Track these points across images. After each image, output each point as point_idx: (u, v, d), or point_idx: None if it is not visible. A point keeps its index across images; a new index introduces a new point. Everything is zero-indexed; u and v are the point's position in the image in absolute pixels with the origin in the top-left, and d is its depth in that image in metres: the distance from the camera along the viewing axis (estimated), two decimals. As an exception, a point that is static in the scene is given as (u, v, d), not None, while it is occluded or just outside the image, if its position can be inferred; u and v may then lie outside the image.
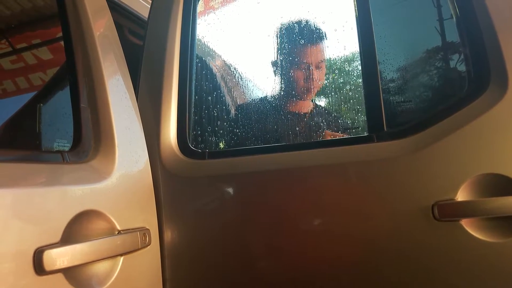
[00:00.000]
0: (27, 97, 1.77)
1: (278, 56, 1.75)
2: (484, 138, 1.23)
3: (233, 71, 1.85)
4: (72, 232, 1.08)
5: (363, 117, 1.51)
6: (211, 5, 1.81)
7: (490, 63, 1.28)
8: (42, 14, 1.87)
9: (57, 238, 1.03)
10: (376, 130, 1.37)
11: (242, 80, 1.83)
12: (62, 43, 1.45)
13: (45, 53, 1.83)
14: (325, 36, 1.69)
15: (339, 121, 1.60)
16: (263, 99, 1.76)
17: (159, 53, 1.57)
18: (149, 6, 1.67)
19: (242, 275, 1.40)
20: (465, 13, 1.36)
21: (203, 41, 1.76)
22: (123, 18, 2.23)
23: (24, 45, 1.86)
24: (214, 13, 1.76)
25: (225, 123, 1.62)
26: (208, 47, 1.82)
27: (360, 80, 1.50)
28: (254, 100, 1.76)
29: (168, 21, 1.59)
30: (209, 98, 1.66)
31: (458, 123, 1.26)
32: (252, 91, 1.81)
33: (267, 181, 1.42)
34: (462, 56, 1.41)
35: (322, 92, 1.73)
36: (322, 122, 1.60)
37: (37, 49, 1.83)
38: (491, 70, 1.27)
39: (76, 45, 1.40)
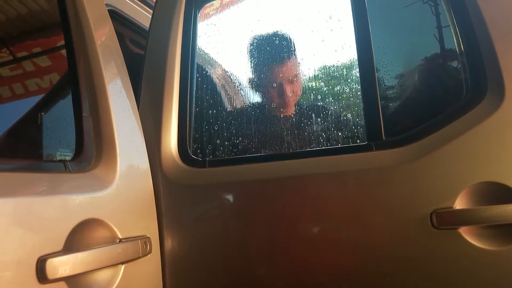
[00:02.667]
0: (28, 105, 1.78)
1: (279, 65, 1.76)
2: (482, 147, 1.24)
3: (234, 79, 1.86)
4: (74, 241, 1.08)
5: (361, 126, 1.52)
6: (206, 12, 1.83)
7: (487, 72, 1.29)
8: (44, 23, 1.88)
9: (59, 246, 1.04)
10: (375, 139, 1.38)
11: (242, 88, 1.84)
12: (63, 51, 1.46)
13: (45, 61, 1.85)
14: (323, 44, 1.70)
15: (339, 129, 1.61)
16: (264, 108, 1.77)
17: (160, 62, 1.58)
18: (151, 16, 1.69)
19: (242, 283, 1.40)
20: (461, 22, 1.37)
21: (204, 50, 1.78)
22: (125, 28, 2.24)
23: (25, 53, 1.88)
24: (213, 24, 1.78)
25: (225, 132, 1.63)
26: (209, 56, 1.83)
27: (359, 88, 1.51)
28: (255, 108, 1.77)
29: (169, 30, 1.60)
30: (210, 106, 1.67)
31: (456, 131, 1.27)
32: (252, 100, 1.82)
33: (267, 189, 1.43)
34: (459, 65, 1.42)
35: (321, 101, 1.74)
36: (321, 130, 1.61)
37: (37, 58, 1.84)
38: (488, 79, 1.28)
39: (78, 54, 1.41)
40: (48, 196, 1.09)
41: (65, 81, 1.51)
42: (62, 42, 1.47)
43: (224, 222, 1.45)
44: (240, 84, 1.84)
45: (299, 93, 1.75)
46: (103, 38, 1.46)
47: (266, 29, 1.75)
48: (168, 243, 1.41)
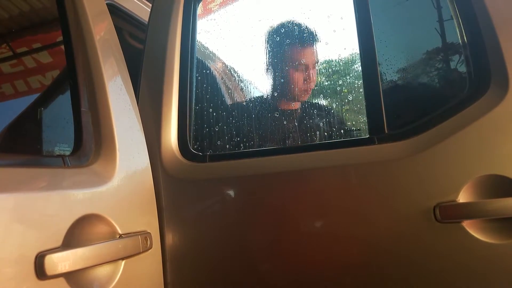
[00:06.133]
0: (27, 101, 1.77)
1: (279, 58, 1.75)
2: (486, 139, 1.23)
3: (233, 73, 1.85)
4: (74, 237, 1.08)
5: (363, 119, 1.51)
6: (209, 7, 1.82)
7: (491, 64, 1.28)
8: (43, 18, 1.87)
9: (58, 242, 1.03)
10: (377, 132, 1.37)
11: (242, 82, 1.83)
12: (62, 47, 1.45)
13: (45, 57, 1.83)
14: (325, 38, 1.69)
15: (341, 123, 1.60)
16: (264, 102, 1.76)
17: (160, 57, 1.57)
18: (150, 10, 1.68)
19: (243, 278, 1.40)
20: (465, 14, 1.36)
21: (203, 44, 1.76)
22: (124, 22, 2.23)
23: (24, 49, 1.87)
24: (214, 19, 1.76)
25: (225, 126, 1.62)
26: (209, 50, 1.82)
27: (361, 82, 1.50)
28: (255, 102, 1.76)
29: (168, 24, 1.59)
30: (210, 100, 1.66)
31: (459, 124, 1.26)
32: (252, 94, 1.81)
33: (268, 183, 1.42)
34: (462, 58, 1.41)
35: (323, 94, 1.72)
36: (323, 124, 1.60)
37: (37, 53, 1.83)
38: (492, 71, 1.27)
39: (76, 49, 1.40)
40: (47, 191, 1.08)
41: (64, 76, 1.50)
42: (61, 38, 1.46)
43: (225, 217, 1.44)
44: (240, 78, 1.83)
45: (307, 85, 1.74)
46: (102, 32, 1.44)
47: (266, 23, 1.73)
48: (169, 238, 1.41)
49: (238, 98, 1.84)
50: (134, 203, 1.34)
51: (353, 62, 1.60)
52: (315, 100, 1.72)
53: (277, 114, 1.70)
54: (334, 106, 1.63)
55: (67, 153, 1.31)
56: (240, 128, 1.63)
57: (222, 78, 1.84)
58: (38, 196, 1.05)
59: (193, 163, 1.49)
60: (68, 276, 1.04)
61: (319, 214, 1.35)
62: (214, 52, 1.84)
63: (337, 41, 1.62)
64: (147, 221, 1.35)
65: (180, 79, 1.57)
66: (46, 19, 1.86)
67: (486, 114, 1.23)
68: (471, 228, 1.20)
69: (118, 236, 1.21)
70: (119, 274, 1.18)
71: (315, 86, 1.75)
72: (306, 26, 1.71)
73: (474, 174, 1.22)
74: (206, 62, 1.78)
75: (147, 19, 1.70)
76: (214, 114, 1.64)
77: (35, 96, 1.82)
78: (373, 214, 1.30)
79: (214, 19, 1.77)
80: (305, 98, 1.76)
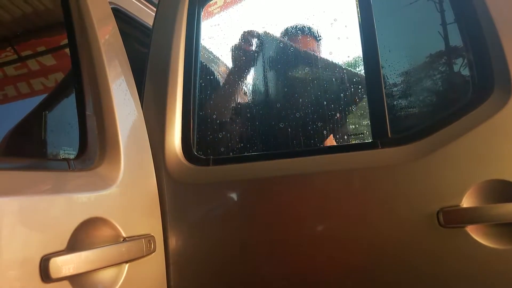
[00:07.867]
0: (32, 104, 1.78)
1: (282, 62, 1.75)
2: (489, 144, 1.23)
3: (237, 77, 1.85)
4: (78, 240, 1.08)
5: (367, 123, 1.51)
6: (210, 10, 1.82)
7: (494, 68, 1.28)
8: (48, 22, 1.88)
9: (63, 245, 1.04)
10: (380, 136, 1.37)
11: (246, 86, 1.83)
12: (67, 50, 1.46)
13: (49, 60, 1.84)
14: (329, 43, 1.69)
15: (344, 127, 1.60)
16: (268, 106, 1.76)
17: (164, 61, 1.58)
18: (154, 14, 1.68)
19: (247, 282, 1.40)
20: (467, 18, 1.36)
21: (207, 48, 1.77)
22: (128, 26, 2.24)
23: (29, 52, 1.88)
24: (218, 25, 1.77)
25: (229, 130, 1.62)
26: (213, 54, 1.82)
27: (364, 85, 1.50)
28: (259, 106, 1.76)
29: (172, 28, 1.60)
30: (214, 104, 1.66)
31: (462, 129, 1.26)
32: (256, 98, 1.81)
33: (271, 187, 1.42)
34: (465, 61, 1.41)
35: (327, 98, 1.72)
36: (327, 128, 1.60)
37: (41, 56, 1.84)
38: (495, 75, 1.27)
39: (81, 52, 1.41)
40: (52, 194, 1.09)
41: (69, 80, 1.51)
42: (66, 41, 1.47)
43: (228, 221, 1.44)
44: (243, 82, 1.83)
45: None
46: (106, 36, 1.45)
47: (269, 27, 1.74)
48: (172, 242, 1.41)
49: (242, 102, 1.85)
50: (138, 207, 1.34)
51: (356, 66, 1.60)
52: (318, 104, 1.72)
53: (281, 117, 1.70)
54: (338, 110, 1.62)
55: (72, 156, 1.31)
56: (244, 132, 1.63)
57: (225, 82, 1.84)
58: (43, 199, 1.05)
59: (197, 167, 1.49)
60: (73, 279, 1.04)
61: (322, 218, 1.35)
62: (217, 55, 1.85)
63: (341, 46, 1.63)
64: (151, 224, 1.36)
65: (184, 83, 1.57)
66: (51, 22, 1.87)
67: (490, 118, 1.23)
68: (474, 233, 1.20)
69: (122, 240, 1.21)
70: (122, 277, 1.19)
71: (318, 90, 1.75)
72: (310, 31, 1.72)
73: (478, 178, 1.21)
74: (210, 66, 1.79)
75: (151, 23, 1.70)
76: (218, 117, 1.64)
77: (38, 98, 1.83)
78: (376, 218, 1.29)
79: (217, 24, 1.78)
80: (314, 103, 1.76)
